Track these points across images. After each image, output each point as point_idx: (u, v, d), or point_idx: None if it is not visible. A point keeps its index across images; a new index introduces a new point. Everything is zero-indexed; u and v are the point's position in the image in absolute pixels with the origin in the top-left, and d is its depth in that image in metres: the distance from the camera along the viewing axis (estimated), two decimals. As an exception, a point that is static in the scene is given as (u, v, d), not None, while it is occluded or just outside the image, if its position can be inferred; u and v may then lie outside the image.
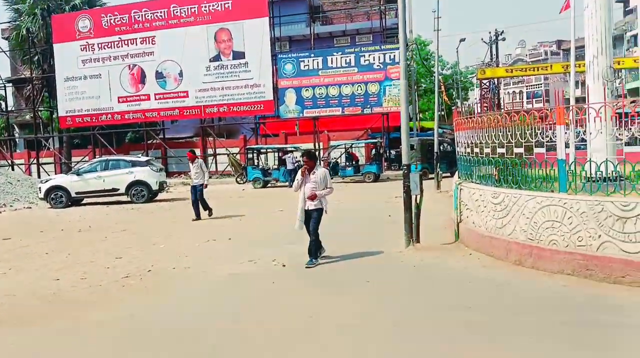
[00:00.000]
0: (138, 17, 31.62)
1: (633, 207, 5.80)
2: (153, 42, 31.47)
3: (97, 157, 28.79)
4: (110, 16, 32.17)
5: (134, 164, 19.37)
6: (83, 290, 7.00)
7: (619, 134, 6.86)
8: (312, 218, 7.74)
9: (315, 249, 7.77)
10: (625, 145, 6.97)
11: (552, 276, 6.39)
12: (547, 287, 6.04)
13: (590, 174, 6.69)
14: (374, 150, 26.98)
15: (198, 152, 33.02)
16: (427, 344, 4.58)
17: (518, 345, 4.47)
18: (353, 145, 26.55)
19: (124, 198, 19.27)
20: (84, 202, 19.49)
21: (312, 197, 7.63)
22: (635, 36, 49.87)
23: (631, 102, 7.37)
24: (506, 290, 6.07)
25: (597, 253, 6.07)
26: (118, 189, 19.01)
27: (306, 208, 7.76)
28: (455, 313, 5.36)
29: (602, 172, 6.44)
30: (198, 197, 13.40)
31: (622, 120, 7.13)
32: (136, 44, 31.72)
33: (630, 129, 6.48)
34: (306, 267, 7.51)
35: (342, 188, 21.94)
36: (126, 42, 31.87)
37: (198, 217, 13.37)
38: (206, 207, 13.53)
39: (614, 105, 6.94)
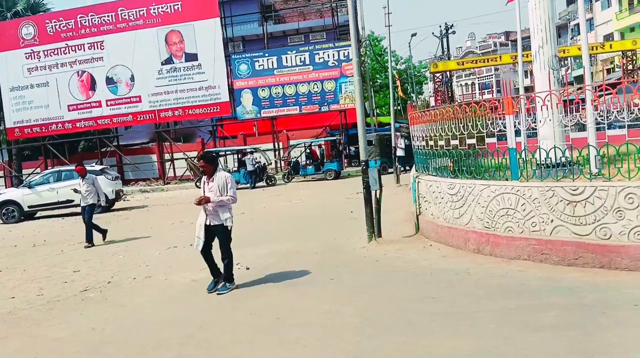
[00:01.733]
0: (85, 22, 30.71)
1: (582, 191, 6.02)
2: (102, 47, 30.63)
3: (49, 168, 27.81)
4: (55, 22, 31.13)
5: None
6: (40, 306, 6.77)
7: (565, 121, 7.11)
8: (218, 238, 6.57)
9: (230, 271, 6.66)
10: (578, 131, 7.23)
11: (509, 262, 6.57)
12: (505, 273, 6.21)
13: (540, 161, 6.92)
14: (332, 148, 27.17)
15: (154, 157, 32.51)
16: (392, 337, 4.64)
17: (480, 332, 4.59)
18: (312, 144, 26.57)
19: (80, 209, 18.69)
20: (37, 215, 18.83)
21: (205, 201, 6.42)
22: (578, 25, 51.73)
23: (577, 89, 7.64)
24: (466, 279, 6.21)
25: (551, 238, 6.29)
26: (72, 201, 18.43)
27: (207, 223, 6.53)
28: (418, 305, 5.45)
29: (551, 158, 6.66)
30: (87, 221, 11.36)
31: (569, 107, 7.39)
32: (84, 50, 30.81)
33: (575, 115, 6.73)
34: (218, 294, 6.47)
35: (304, 187, 21.97)
36: (73, 48, 30.91)
37: (90, 242, 11.22)
38: (98, 230, 11.52)
39: (559, 93, 7.19)
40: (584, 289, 5.39)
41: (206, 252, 6.61)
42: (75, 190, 12.07)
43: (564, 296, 5.27)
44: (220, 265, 6.71)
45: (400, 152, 22.31)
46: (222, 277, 6.67)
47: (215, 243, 6.64)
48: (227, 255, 6.56)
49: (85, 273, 8.50)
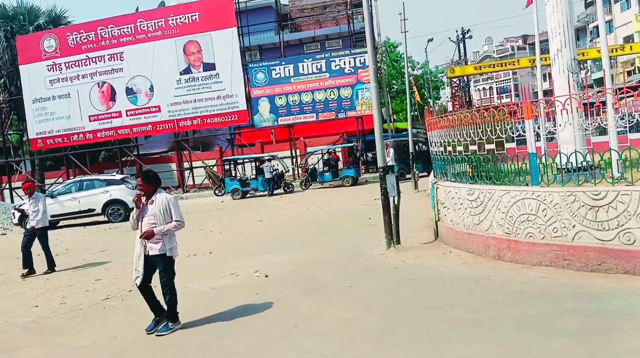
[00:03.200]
0: (104, 34, 31.23)
1: (604, 195, 5.93)
2: (121, 59, 31.10)
3: (70, 178, 28.30)
4: (76, 34, 31.71)
5: (109, 182, 19.12)
6: (63, 315, 6.87)
7: (586, 125, 7.02)
8: (159, 270, 5.68)
9: (173, 308, 5.77)
10: (599, 134, 7.13)
11: (531, 268, 6.48)
12: (526, 279, 6.13)
13: (561, 165, 6.83)
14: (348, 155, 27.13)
15: (174, 166, 32.83)
16: (413, 344, 4.61)
17: (501, 339, 4.53)
18: (330, 150, 26.57)
19: (101, 218, 18.99)
20: (60, 224, 19.14)
21: (149, 235, 5.53)
22: (597, 27, 51.05)
23: (597, 92, 7.54)
24: (487, 286, 6.14)
25: (573, 243, 6.19)
26: (94, 210, 18.74)
27: (146, 253, 5.64)
28: (438, 312, 5.40)
29: (572, 163, 6.58)
30: (42, 246, 9.95)
31: (589, 110, 7.30)
32: (104, 61, 31.31)
33: (596, 119, 6.64)
34: (157, 335, 5.61)
35: (322, 194, 21.98)
36: (94, 59, 31.43)
37: (29, 268, 9.83)
38: (50, 260, 10.04)
39: (578, 96, 7.10)
40: (608, 295, 5.29)
41: (145, 287, 5.73)
42: (20, 211, 10.61)
43: (586, 302, 5.18)
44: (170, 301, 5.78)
45: (390, 162, 22.10)
46: (165, 315, 5.79)
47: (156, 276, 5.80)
48: (169, 290, 5.68)
49: (107, 281, 8.60)
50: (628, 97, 7.23)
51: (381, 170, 8.96)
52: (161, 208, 5.59)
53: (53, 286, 8.69)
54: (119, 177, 20.42)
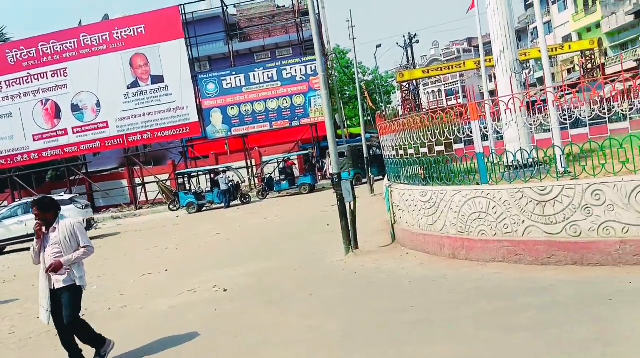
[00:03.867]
0: (46, 50, 30.22)
1: (550, 190, 6.14)
2: (65, 74, 30.15)
3: (16, 200, 27.11)
4: (16, 51, 30.57)
5: (57, 203, 18.40)
6: (12, 345, 6.56)
7: (530, 123, 7.26)
8: (64, 304, 5.07)
9: (91, 334, 5.29)
10: (543, 131, 7.37)
11: (485, 265, 6.64)
12: (481, 276, 6.27)
13: (508, 163, 7.03)
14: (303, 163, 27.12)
15: (125, 183, 31.99)
16: (374, 348, 4.62)
17: (459, 337, 4.60)
18: (285, 159, 26.53)
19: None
20: (6, 250, 18.30)
21: (57, 267, 5.01)
22: (537, 28, 53.16)
23: (540, 91, 7.82)
24: (444, 285, 6.24)
25: (523, 238, 6.38)
26: (42, 232, 17.98)
27: (52, 287, 5.10)
28: (399, 315, 5.44)
29: (518, 160, 6.78)
30: None
31: (533, 108, 7.56)
32: (47, 78, 30.28)
33: (539, 117, 6.88)
34: None
35: (279, 203, 21.89)
36: (36, 76, 30.36)
37: None
38: None
39: (521, 96, 7.34)
40: (559, 287, 5.47)
41: (61, 325, 5.15)
42: None
43: (539, 296, 5.34)
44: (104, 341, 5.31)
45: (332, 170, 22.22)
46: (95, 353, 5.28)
47: None
48: (78, 326, 5.13)
49: (59, 306, 8.25)
50: (567, 94, 7.55)
51: (335, 176, 9.00)
52: (66, 235, 5.08)
53: (1, 315, 8.27)
54: (67, 197, 19.73)
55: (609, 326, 4.33)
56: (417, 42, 44.41)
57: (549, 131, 8.27)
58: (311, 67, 29.34)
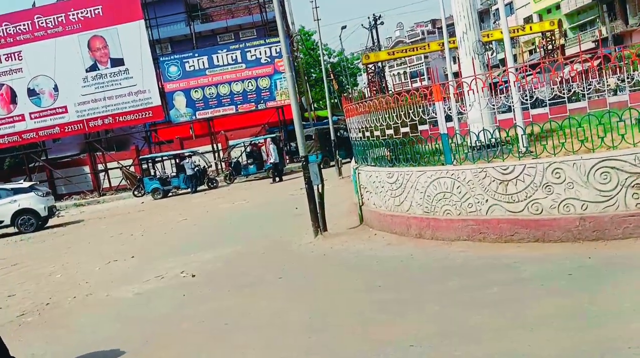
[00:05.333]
0: (-1, 33, 28.97)
1: (512, 169, 6.27)
2: (20, 58, 28.97)
3: (-28, 189, 26.11)
4: (-35, 34, 29.19)
5: (16, 191, 17.87)
6: (-29, 338, 6.34)
7: (492, 104, 7.38)
8: None
9: None
10: (504, 112, 7.49)
11: (450, 244, 6.76)
12: (447, 255, 6.39)
13: (471, 143, 7.15)
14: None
15: (87, 169, 31.18)
16: (342, 329, 4.67)
17: (426, 315, 4.69)
18: (252, 142, 26.29)
19: (11, 229, 17.75)
20: (-37, 240, 17.66)
21: None
22: (499, 9, 53.80)
23: (502, 72, 7.93)
24: (411, 264, 6.34)
25: (487, 217, 6.51)
26: (2, 221, 17.47)
27: None
28: (367, 295, 5.52)
29: (481, 141, 6.90)
30: None
31: (495, 89, 7.66)
32: (1, 62, 29.06)
33: (501, 98, 6.99)
34: None
35: (247, 187, 21.76)
36: (-12, 60, 29.11)
37: None
38: None
39: (484, 77, 7.44)
40: (522, 264, 5.63)
41: None
42: None
43: (503, 272, 5.48)
44: None
45: (272, 159, 22.17)
46: None
47: None
48: None
49: (21, 297, 8.05)
50: (528, 75, 7.68)
51: (303, 159, 8.98)
52: None
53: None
54: (27, 184, 19.10)
55: (569, 300, 4.49)
56: (382, 23, 44.55)
57: (511, 111, 8.42)
58: (276, 49, 29.00)
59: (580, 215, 5.88)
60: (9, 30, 29.01)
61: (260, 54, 29.58)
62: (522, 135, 7.23)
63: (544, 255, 5.74)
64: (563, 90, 6.57)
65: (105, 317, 6.38)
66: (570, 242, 5.92)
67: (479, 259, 6.03)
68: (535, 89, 6.85)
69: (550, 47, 38.74)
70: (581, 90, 6.89)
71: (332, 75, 40.12)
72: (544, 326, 4.06)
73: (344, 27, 45.70)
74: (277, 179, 21.96)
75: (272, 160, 22.24)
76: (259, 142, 26.74)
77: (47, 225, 18.36)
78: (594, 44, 38.32)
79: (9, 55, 29.08)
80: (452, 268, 5.91)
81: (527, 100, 6.83)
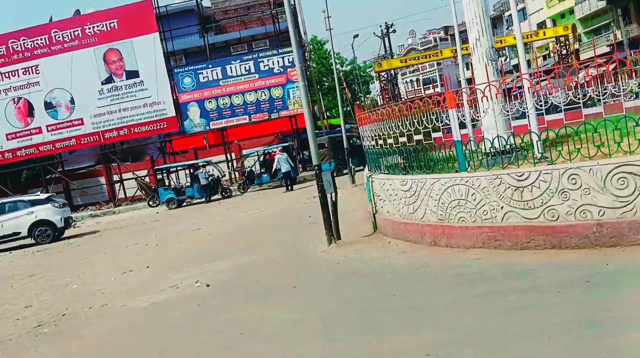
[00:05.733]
0: (17, 47, 29.47)
1: (527, 176, 6.21)
2: (37, 72, 29.46)
3: (-9, 201, 26.51)
4: (-16, 49, 29.76)
5: (34, 203, 18.09)
6: (-9, 348, 6.42)
7: (506, 110, 7.33)
8: None
9: None
10: (519, 118, 7.42)
11: (465, 251, 6.70)
12: (462, 263, 6.33)
13: (486, 150, 7.10)
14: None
15: (103, 180, 31.50)
16: (358, 338, 4.64)
17: (442, 323, 4.65)
18: (265, 151, 26.38)
19: (28, 241, 17.96)
20: (-18, 252, 17.91)
21: None
22: (511, 16, 53.57)
23: (516, 77, 7.89)
24: (425, 272, 6.29)
25: (502, 224, 6.45)
26: (20, 233, 17.68)
27: None
28: (381, 304, 5.48)
29: (495, 147, 6.85)
30: None
31: (509, 96, 7.61)
32: (18, 76, 29.56)
33: (515, 104, 6.94)
34: None
35: (261, 196, 21.81)
36: (7, 74, 29.60)
37: None
38: None
39: (497, 83, 7.40)
40: (538, 271, 5.55)
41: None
42: None
43: (519, 279, 5.41)
44: None
45: (284, 169, 22.10)
46: None
47: None
48: None
49: (38, 307, 8.13)
50: (542, 81, 7.63)
51: (316, 167, 8.98)
52: None
53: (-23, 319, 8.11)
54: (44, 196, 19.36)
55: (586, 308, 4.41)
56: (394, 31, 44.50)
57: (526, 117, 8.35)
58: (289, 59, 29.15)
59: (597, 221, 5.79)
60: (27, 44, 29.53)
61: (273, 64, 29.77)
62: (537, 141, 7.16)
63: (560, 262, 5.66)
64: (578, 95, 6.52)
65: (121, 327, 6.41)
66: (587, 249, 5.83)
67: (494, 267, 5.96)
68: (549, 94, 6.79)
69: (564, 52, 38.44)
70: (596, 95, 6.81)
71: (344, 83, 40.17)
72: (561, 334, 3.99)
73: (356, 36, 45.93)
74: (290, 188, 21.99)
75: (283, 170, 22.28)
76: (272, 151, 26.85)
77: (64, 236, 18.55)
78: (609, 48, 37.96)
79: (27, 69, 29.59)
80: (468, 276, 5.86)
81: (541, 105, 6.78)
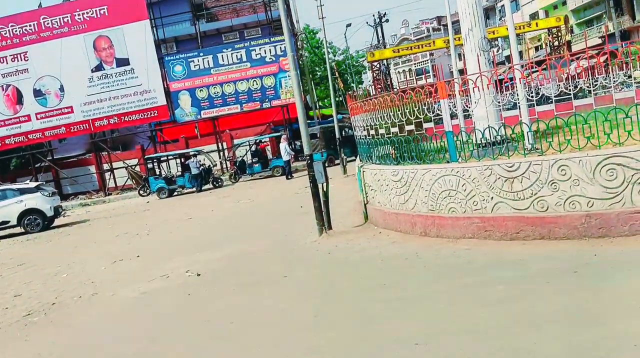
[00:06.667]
0: (5, 34, 29.07)
1: (517, 167, 6.24)
2: (26, 59, 29.11)
3: (-21, 189, 26.26)
4: (-29, 35, 29.33)
5: (23, 191, 17.94)
6: (-21, 337, 6.38)
7: (497, 101, 7.34)
8: None
9: None
10: (510, 109, 7.44)
11: (456, 242, 6.74)
12: (452, 253, 6.36)
13: (477, 141, 7.11)
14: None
15: (93, 169, 31.30)
16: (347, 328, 4.66)
17: (432, 313, 4.68)
18: (257, 141, 26.30)
19: (17, 230, 17.84)
20: (-30, 240, 17.77)
21: None
22: (504, 6, 53.52)
23: (508, 68, 7.88)
24: (416, 262, 6.32)
25: (492, 215, 6.48)
26: (8, 221, 17.55)
27: None
28: (371, 293, 5.50)
29: (486, 138, 6.87)
30: None
31: (501, 86, 7.61)
32: (7, 62, 29.19)
33: (506, 95, 6.94)
34: None
35: (252, 186, 21.78)
36: (-6, 61, 29.25)
37: None
38: None
39: (489, 74, 7.40)
40: (528, 261, 5.60)
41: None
42: None
43: (509, 270, 5.45)
44: None
45: (286, 157, 22.37)
46: None
47: None
48: None
49: (27, 296, 8.09)
50: (534, 72, 7.64)
51: (307, 157, 8.97)
52: None
53: (-34, 308, 8.05)
54: (33, 184, 19.19)
55: (574, 298, 4.46)
56: (387, 21, 44.30)
57: (517, 108, 8.37)
58: (281, 48, 28.98)
59: (586, 212, 5.84)
60: (15, 31, 29.14)
61: (265, 53, 29.59)
62: (527, 132, 7.18)
63: (549, 253, 5.71)
64: (569, 86, 6.53)
65: (111, 316, 6.41)
66: (576, 239, 5.88)
67: (484, 257, 6.00)
68: (541, 85, 6.81)
69: (556, 43, 38.50)
70: (587, 87, 6.84)
71: (337, 73, 40.06)
72: (550, 323, 4.03)
73: (348, 25, 45.75)
74: (289, 176, 22.09)
75: (285, 158, 22.41)
76: (263, 141, 26.77)
77: (53, 225, 18.45)
78: (600, 39, 38.08)
79: (15, 56, 29.21)
80: (458, 265, 5.89)
81: (532, 97, 6.79)
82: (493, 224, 6.46)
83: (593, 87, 6.70)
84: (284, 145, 22.62)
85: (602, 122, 6.03)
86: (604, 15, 40.71)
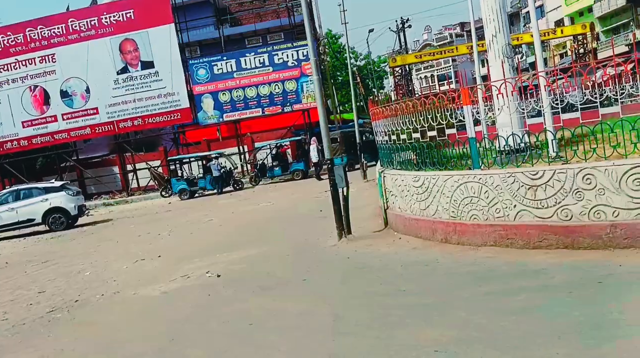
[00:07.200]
0: (34, 36, 29.76)
1: (541, 174, 6.16)
2: (53, 60, 29.74)
3: (6, 187, 26.88)
4: (3, 37, 30.05)
5: (48, 190, 18.32)
6: (5, 331, 6.54)
7: (521, 108, 7.26)
8: None
9: None
10: (534, 116, 7.36)
11: (477, 249, 6.67)
12: (473, 260, 6.31)
13: (500, 148, 7.05)
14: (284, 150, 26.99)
15: (116, 169, 31.78)
16: (366, 333, 4.65)
17: (452, 321, 4.64)
18: (278, 144, 26.43)
19: (42, 228, 18.20)
20: (-3, 237, 18.20)
21: None
22: (529, 12, 52.97)
23: (532, 76, 7.81)
24: (436, 269, 6.28)
25: (515, 223, 6.41)
26: (34, 219, 17.93)
27: None
28: (391, 299, 5.48)
29: (510, 145, 6.80)
30: None
31: (525, 93, 7.54)
32: (35, 64, 29.86)
33: (530, 102, 6.88)
34: None
35: (272, 189, 21.88)
36: (24, 62, 29.91)
37: None
38: None
39: (513, 80, 7.33)
40: (550, 271, 5.52)
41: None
42: None
43: (531, 279, 5.38)
44: None
45: (315, 159, 22.62)
46: None
47: None
48: None
49: (51, 293, 8.26)
50: (559, 79, 7.55)
51: (328, 162, 8.99)
52: None
53: (-8, 303, 8.25)
54: (58, 183, 19.58)
55: (598, 309, 4.38)
56: (410, 26, 44.25)
57: (541, 116, 8.27)
58: (303, 52, 29.12)
59: (611, 222, 5.74)
60: (44, 33, 29.79)
61: (288, 57, 29.75)
62: (552, 140, 7.10)
63: (573, 262, 5.62)
64: (595, 94, 6.44)
65: (132, 314, 6.49)
66: (600, 250, 5.78)
67: (506, 265, 5.93)
68: (566, 92, 6.72)
69: (582, 50, 37.96)
70: (614, 95, 6.73)
71: (358, 78, 40.07)
72: (572, 334, 3.97)
73: (371, 30, 45.76)
74: (319, 177, 22.26)
75: (314, 160, 22.87)
76: (284, 145, 26.88)
77: (77, 223, 18.77)
78: (627, 47, 37.39)
79: (44, 57, 29.86)
80: (479, 273, 5.84)
81: (557, 104, 6.71)
82: (515, 232, 6.39)
83: (620, 95, 6.59)
84: (314, 147, 22.79)
85: (629, 131, 5.92)
86: (631, 23, 39.97)
